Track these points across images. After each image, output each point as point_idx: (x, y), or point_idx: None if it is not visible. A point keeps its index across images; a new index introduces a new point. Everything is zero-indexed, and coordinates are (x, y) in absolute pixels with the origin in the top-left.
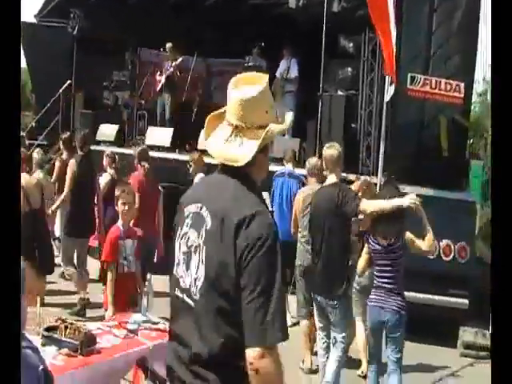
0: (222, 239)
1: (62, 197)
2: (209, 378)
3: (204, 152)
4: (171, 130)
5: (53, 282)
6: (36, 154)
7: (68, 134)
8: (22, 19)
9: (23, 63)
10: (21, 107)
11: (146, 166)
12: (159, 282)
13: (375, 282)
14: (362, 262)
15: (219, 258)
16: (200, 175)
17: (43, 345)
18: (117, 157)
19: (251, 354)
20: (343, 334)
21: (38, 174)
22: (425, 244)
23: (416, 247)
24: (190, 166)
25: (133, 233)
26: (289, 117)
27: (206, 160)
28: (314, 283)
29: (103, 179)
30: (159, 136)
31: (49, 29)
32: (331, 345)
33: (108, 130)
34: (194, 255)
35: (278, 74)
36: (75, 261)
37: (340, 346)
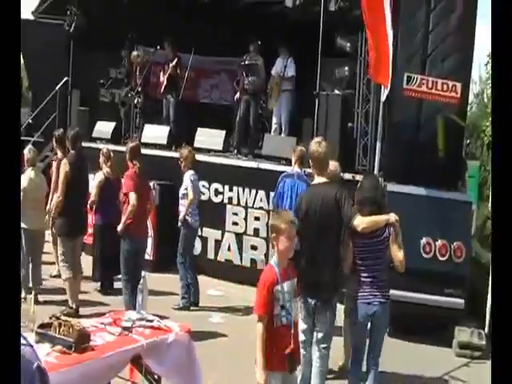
0: None
1: (57, 198)
2: None
3: (195, 148)
4: (168, 128)
5: (45, 279)
6: (27, 152)
7: (61, 131)
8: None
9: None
10: (20, 105)
11: (137, 164)
12: (153, 280)
13: (361, 278)
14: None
15: None
16: (190, 172)
17: (37, 342)
18: (112, 154)
19: None
20: (326, 345)
21: (30, 173)
22: (397, 258)
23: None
24: (181, 162)
25: (290, 272)
26: None
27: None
28: (306, 285)
29: (97, 178)
30: (156, 134)
31: (46, 26)
32: (314, 356)
33: (105, 128)
34: None
35: (273, 73)
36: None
37: (323, 356)
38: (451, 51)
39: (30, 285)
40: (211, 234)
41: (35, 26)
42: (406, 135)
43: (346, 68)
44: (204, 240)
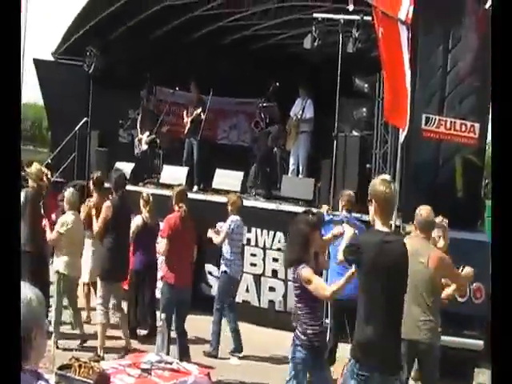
0: None
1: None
2: None
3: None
4: (186, 168)
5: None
6: (70, 195)
7: (99, 173)
8: (40, 57)
9: (40, 100)
10: (21, 138)
11: (184, 208)
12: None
13: None
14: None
15: None
16: (233, 218)
17: (57, 383)
18: (151, 198)
19: None
20: None
21: (70, 217)
22: None
23: None
24: (228, 206)
25: None
26: None
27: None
28: (376, 357)
29: (134, 222)
30: (174, 175)
31: (65, 66)
32: None
33: (123, 168)
34: None
35: (292, 114)
36: (110, 305)
37: None
38: (469, 91)
39: (51, 329)
40: None
41: (55, 66)
42: (424, 176)
43: (364, 109)
44: None
